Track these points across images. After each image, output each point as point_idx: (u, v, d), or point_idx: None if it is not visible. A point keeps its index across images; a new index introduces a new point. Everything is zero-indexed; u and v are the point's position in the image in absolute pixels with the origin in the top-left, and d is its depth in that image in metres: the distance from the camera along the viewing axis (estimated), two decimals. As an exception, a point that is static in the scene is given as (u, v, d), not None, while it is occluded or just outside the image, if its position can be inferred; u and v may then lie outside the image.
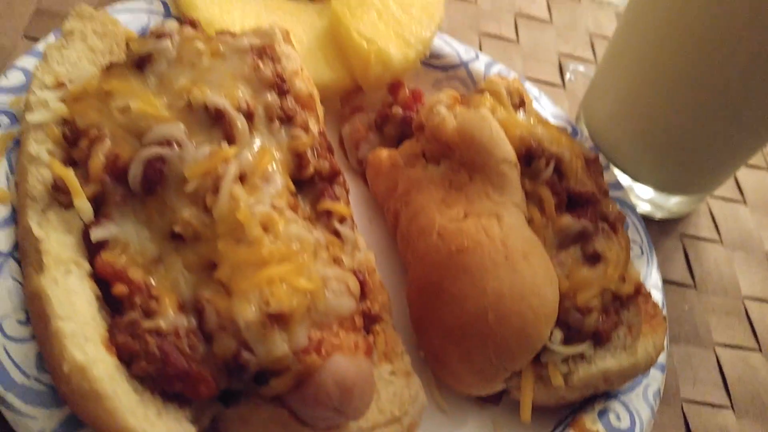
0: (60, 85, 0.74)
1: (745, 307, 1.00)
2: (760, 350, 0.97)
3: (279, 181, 0.71)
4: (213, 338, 0.61)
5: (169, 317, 0.61)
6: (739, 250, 1.08)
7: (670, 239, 1.06)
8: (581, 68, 1.24)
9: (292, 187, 0.74)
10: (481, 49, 1.20)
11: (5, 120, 0.75)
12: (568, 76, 1.22)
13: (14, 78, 0.79)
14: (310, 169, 0.75)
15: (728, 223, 1.11)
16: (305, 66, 0.87)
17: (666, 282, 0.98)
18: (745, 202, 1.15)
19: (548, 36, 1.27)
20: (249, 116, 0.72)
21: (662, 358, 0.81)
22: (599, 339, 0.74)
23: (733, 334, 0.97)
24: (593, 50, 1.29)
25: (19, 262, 0.67)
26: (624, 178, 1.01)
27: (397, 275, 0.85)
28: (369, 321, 0.71)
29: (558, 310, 0.71)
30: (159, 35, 0.75)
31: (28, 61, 0.81)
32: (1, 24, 0.93)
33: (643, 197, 1.03)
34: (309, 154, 0.76)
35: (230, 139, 0.69)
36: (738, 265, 1.05)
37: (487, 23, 1.24)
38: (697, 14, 0.81)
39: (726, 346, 0.96)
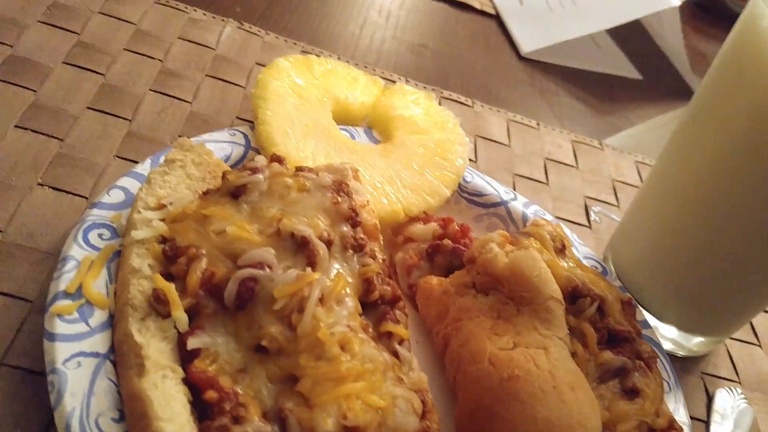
0: (161, 206, 0.84)
1: (765, 447, 1.06)
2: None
3: (351, 304, 0.80)
4: (294, 446, 0.67)
5: (256, 424, 0.67)
6: (757, 391, 1.14)
7: (692, 377, 1.12)
8: (605, 211, 1.35)
9: (360, 309, 0.82)
10: (515, 188, 1.32)
11: (107, 233, 0.84)
12: (593, 217, 1.33)
13: (115, 196, 0.89)
14: (376, 294, 0.84)
15: (746, 364, 1.18)
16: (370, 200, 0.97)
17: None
18: (760, 345, 1.22)
19: (575, 180, 1.40)
20: (328, 245, 0.81)
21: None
22: (636, 469, 0.80)
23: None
24: (615, 195, 1.41)
25: (114, 364, 0.74)
26: (649, 317, 1.10)
27: (442, 396, 0.90)
28: (428, 439, 0.77)
29: (600, 440, 0.77)
30: (253, 170, 0.86)
31: (126, 182, 0.91)
32: (97, 144, 1.05)
33: (667, 336, 1.10)
34: (375, 279, 0.84)
35: (313, 265, 0.78)
36: (756, 405, 1.11)
37: (521, 166, 1.37)
38: (728, 180, 0.92)
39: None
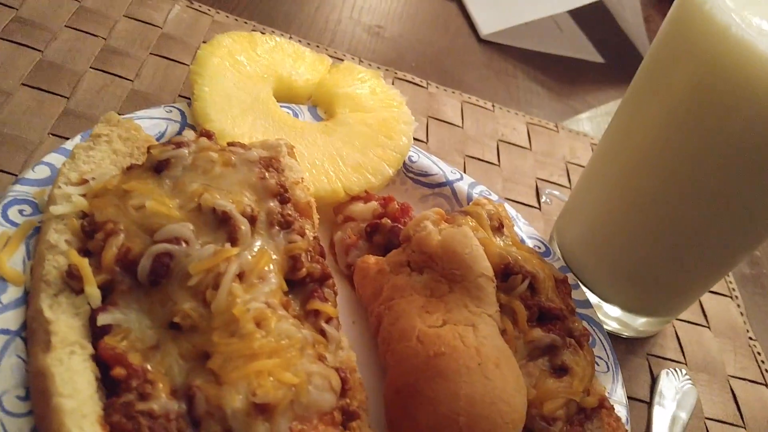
0: (83, 181, 0.81)
1: (706, 427, 1.05)
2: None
3: (274, 281, 0.78)
4: (201, 424, 0.66)
5: (162, 401, 0.66)
6: (702, 373, 1.13)
7: (637, 358, 1.11)
8: (556, 192, 1.34)
9: (285, 286, 0.80)
10: (465, 169, 1.30)
11: (28, 209, 0.82)
12: (543, 198, 1.32)
13: (41, 172, 0.86)
14: (303, 271, 0.82)
15: (693, 346, 1.17)
16: (305, 177, 0.96)
17: (631, 399, 1.03)
18: (709, 326, 1.22)
19: (527, 162, 1.39)
20: (252, 220, 0.79)
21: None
22: (563, 448, 0.79)
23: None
24: (568, 177, 1.40)
25: (25, 341, 0.72)
26: (592, 297, 1.09)
27: (374, 376, 0.89)
28: (347, 417, 0.75)
29: (525, 418, 0.76)
30: (178, 144, 0.84)
31: (54, 158, 0.88)
32: (30, 120, 1.02)
33: (611, 315, 1.10)
34: (303, 257, 0.82)
35: (233, 241, 0.76)
36: (701, 387, 1.11)
37: (473, 147, 1.35)
38: (667, 155, 0.91)
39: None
